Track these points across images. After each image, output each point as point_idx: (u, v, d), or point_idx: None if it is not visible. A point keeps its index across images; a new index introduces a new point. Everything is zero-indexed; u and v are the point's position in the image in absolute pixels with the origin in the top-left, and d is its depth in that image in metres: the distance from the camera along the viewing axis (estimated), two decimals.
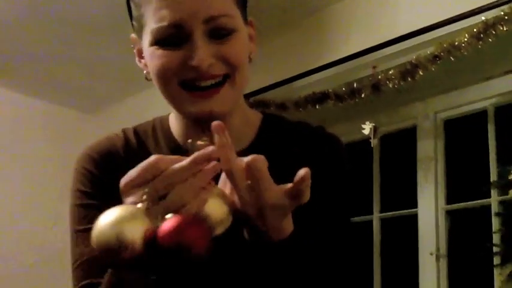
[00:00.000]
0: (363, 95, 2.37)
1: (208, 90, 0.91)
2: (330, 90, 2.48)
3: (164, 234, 0.67)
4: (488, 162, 2.42)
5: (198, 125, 0.93)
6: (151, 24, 0.90)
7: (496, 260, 1.61)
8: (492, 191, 2.32)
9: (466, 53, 2.10)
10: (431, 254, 2.52)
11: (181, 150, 0.95)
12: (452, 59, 2.13)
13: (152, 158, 0.74)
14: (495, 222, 2.22)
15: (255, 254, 0.80)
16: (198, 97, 0.91)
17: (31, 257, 3.44)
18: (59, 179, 3.35)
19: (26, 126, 3.63)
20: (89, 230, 0.97)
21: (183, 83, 0.92)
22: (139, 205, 0.70)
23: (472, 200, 2.49)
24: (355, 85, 2.42)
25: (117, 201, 0.74)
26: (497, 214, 2.06)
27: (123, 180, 0.75)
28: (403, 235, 2.73)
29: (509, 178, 1.50)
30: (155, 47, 0.91)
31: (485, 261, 2.11)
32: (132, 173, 0.75)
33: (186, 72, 0.90)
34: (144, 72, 1.00)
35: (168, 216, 0.70)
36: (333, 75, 2.57)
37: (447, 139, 2.66)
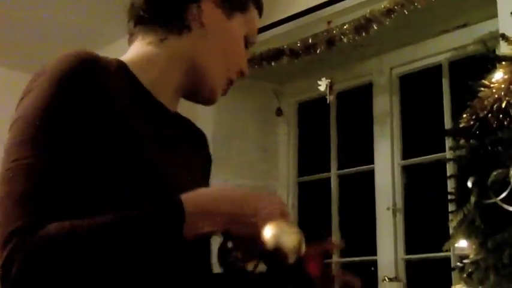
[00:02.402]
0: (318, 51, 2.34)
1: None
2: (285, 46, 2.44)
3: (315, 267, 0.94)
4: (443, 116, 2.44)
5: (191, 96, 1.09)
6: (250, 24, 1.12)
7: (451, 207, 1.62)
8: (447, 146, 2.34)
9: (419, 7, 2.08)
10: (387, 209, 2.55)
11: (145, 96, 0.99)
12: (406, 13, 2.11)
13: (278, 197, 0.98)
14: (450, 171, 2.23)
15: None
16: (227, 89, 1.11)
17: None
18: None
19: None
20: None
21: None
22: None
23: (428, 155, 2.51)
24: (310, 41, 2.38)
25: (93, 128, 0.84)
26: (449, 160, 2.08)
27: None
28: (360, 191, 2.75)
29: (461, 126, 1.51)
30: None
31: (441, 215, 2.14)
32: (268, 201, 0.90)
33: (236, 73, 1.11)
34: (204, 21, 1.04)
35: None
36: (287, 31, 2.52)
37: (402, 95, 2.66)
